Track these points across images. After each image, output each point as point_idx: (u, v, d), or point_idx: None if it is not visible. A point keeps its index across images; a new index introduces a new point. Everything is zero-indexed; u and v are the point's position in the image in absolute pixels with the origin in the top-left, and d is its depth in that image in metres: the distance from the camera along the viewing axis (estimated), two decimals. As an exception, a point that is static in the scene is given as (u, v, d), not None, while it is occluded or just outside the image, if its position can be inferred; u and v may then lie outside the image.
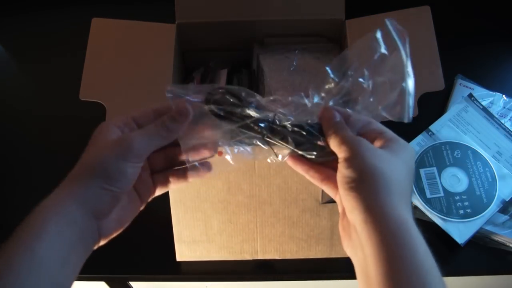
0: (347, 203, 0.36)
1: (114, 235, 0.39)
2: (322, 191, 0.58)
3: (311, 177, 0.43)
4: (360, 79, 0.41)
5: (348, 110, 0.41)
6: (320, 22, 0.70)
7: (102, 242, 0.38)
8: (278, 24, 0.70)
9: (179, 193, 0.59)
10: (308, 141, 0.41)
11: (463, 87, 0.76)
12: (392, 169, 0.36)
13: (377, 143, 0.39)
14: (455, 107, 0.73)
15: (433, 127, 0.71)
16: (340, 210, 0.40)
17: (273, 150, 0.42)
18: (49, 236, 0.32)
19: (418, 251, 0.33)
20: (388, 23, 0.41)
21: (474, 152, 0.69)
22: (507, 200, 0.65)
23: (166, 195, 0.59)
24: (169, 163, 0.43)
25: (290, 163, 0.43)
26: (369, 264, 0.34)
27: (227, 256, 0.63)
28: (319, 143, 0.41)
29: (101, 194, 0.36)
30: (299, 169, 0.43)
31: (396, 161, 0.37)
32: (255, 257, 0.63)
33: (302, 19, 0.69)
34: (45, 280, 0.31)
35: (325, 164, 0.43)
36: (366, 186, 0.35)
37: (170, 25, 0.66)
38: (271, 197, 0.59)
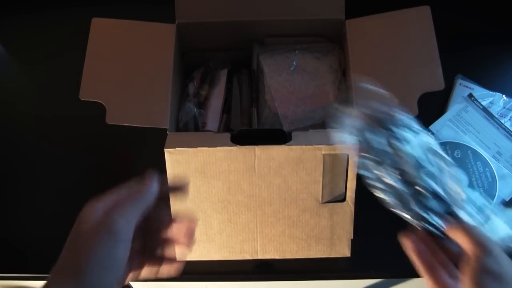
0: None
1: None
2: (322, 190, 0.58)
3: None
4: None
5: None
6: (320, 22, 0.70)
7: None
8: (278, 24, 0.70)
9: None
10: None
11: (463, 87, 0.76)
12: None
13: None
14: (455, 107, 0.73)
15: (433, 127, 0.71)
16: None
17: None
18: None
19: None
20: None
21: (474, 152, 0.69)
22: (507, 200, 0.65)
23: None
24: (145, 251, 0.43)
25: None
26: None
27: (227, 256, 0.63)
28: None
29: None
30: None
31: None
32: (255, 257, 0.63)
33: (302, 19, 0.69)
34: None
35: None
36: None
37: (170, 25, 0.66)
38: (271, 197, 0.59)
